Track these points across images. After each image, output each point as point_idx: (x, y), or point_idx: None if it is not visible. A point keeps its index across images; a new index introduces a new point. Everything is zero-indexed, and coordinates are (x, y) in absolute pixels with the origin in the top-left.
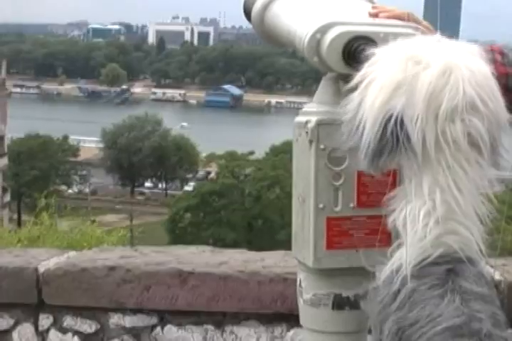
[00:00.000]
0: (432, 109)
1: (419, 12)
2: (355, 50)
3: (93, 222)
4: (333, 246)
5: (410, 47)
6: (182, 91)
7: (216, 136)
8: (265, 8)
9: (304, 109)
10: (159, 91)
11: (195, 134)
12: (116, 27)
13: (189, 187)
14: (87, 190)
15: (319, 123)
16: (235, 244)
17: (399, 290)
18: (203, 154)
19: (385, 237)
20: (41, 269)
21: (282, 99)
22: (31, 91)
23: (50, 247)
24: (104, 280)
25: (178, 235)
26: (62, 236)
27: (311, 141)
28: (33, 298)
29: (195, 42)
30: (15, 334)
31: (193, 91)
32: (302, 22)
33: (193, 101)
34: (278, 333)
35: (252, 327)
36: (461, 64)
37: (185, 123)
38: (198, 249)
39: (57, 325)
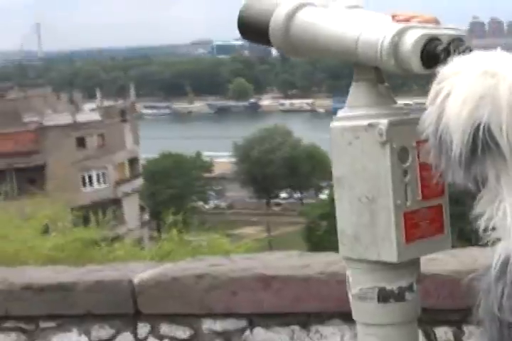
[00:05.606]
0: None
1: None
2: (434, 51)
3: (227, 235)
4: (410, 238)
5: (482, 62)
6: (309, 101)
7: None
8: (290, 18)
9: (347, 114)
10: (287, 102)
11: (326, 142)
12: (240, 42)
13: (324, 195)
14: (223, 205)
15: (392, 124)
16: None
17: None
18: None
19: (440, 225)
20: (135, 281)
21: (409, 101)
22: (162, 111)
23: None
24: (194, 288)
25: (316, 243)
26: (191, 250)
27: (385, 142)
28: (129, 308)
29: None
30: None
31: (320, 100)
32: (360, 28)
33: (321, 110)
34: None
35: (335, 326)
36: None
37: None
38: (286, 254)
39: (154, 332)
